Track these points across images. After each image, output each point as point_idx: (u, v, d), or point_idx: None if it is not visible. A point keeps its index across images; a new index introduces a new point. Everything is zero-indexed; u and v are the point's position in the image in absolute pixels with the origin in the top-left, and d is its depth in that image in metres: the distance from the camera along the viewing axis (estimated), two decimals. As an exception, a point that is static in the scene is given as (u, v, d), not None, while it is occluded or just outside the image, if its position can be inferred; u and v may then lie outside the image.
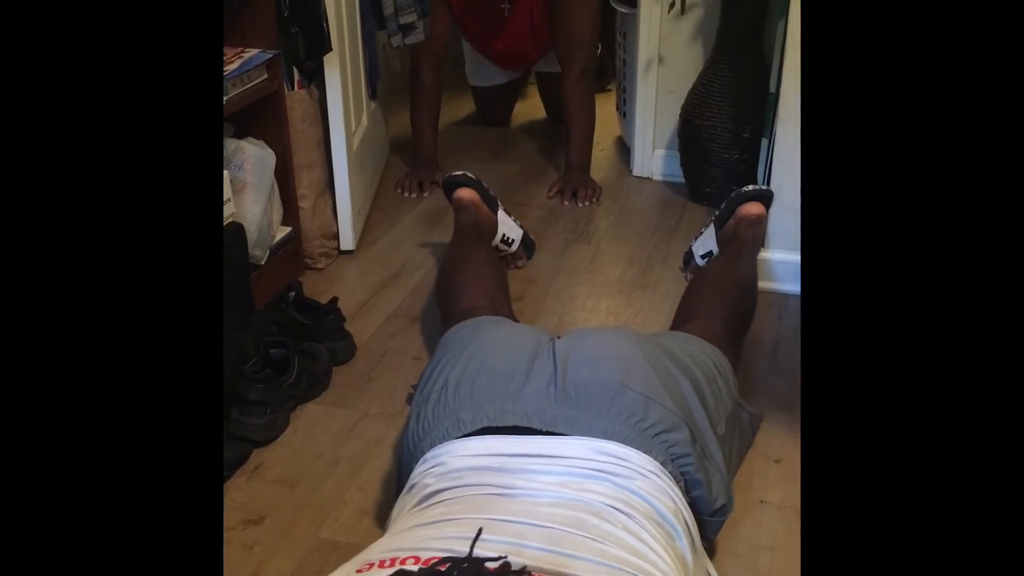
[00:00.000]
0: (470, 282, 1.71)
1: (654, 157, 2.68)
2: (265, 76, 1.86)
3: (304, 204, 2.06)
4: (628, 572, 0.85)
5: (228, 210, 1.77)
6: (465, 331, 1.38)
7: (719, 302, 1.64)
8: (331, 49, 1.98)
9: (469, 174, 1.99)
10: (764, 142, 2.07)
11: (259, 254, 1.90)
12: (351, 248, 2.21)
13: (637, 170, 2.70)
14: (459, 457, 1.10)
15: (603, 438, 1.10)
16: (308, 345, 1.70)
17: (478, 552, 0.81)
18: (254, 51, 1.85)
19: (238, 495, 1.42)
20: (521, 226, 2.12)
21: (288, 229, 2.03)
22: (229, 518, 1.37)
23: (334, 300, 1.82)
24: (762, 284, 2.02)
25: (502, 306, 1.67)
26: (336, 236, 2.18)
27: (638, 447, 1.10)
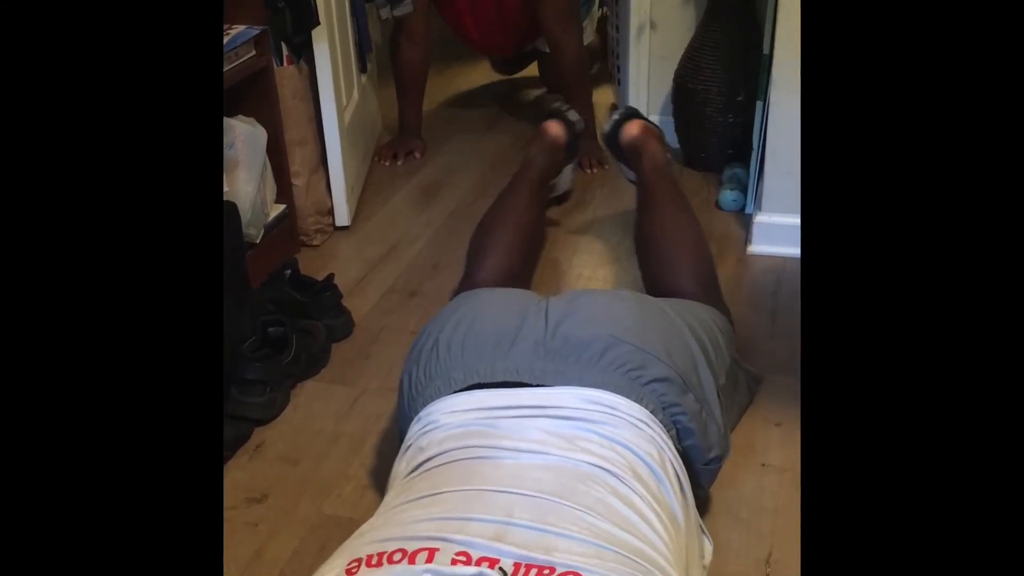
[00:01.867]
0: (500, 248, 1.66)
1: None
2: (253, 52, 1.84)
3: (297, 181, 2.04)
4: (614, 551, 0.85)
5: (220, 189, 1.76)
6: (459, 298, 1.38)
7: (681, 265, 1.59)
8: (319, 23, 1.95)
9: (574, 113, 1.97)
10: (759, 105, 2.05)
11: (253, 232, 1.89)
12: (346, 224, 2.20)
13: (632, 137, 2.68)
14: (450, 414, 1.10)
15: (592, 387, 1.10)
16: (306, 323, 1.70)
17: (461, 541, 0.82)
18: (241, 27, 1.83)
19: (240, 474, 1.42)
20: (572, 183, 2.16)
21: (282, 207, 2.02)
22: (232, 497, 1.37)
23: (330, 277, 1.81)
24: (759, 248, 2.01)
25: (522, 283, 1.65)
26: (331, 212, 2.17)
27: (627, 395, 1.09)
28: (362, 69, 2.48)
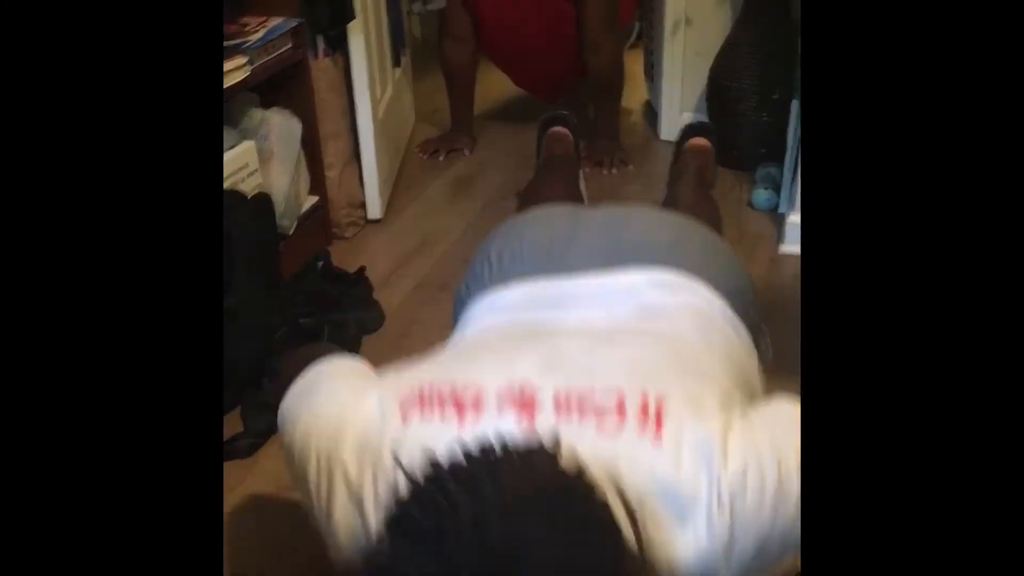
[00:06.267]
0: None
1: (682, 121, 2.64)
2: (290, 45, 1.85)
3: (331, 173, 2.06)
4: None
5: (255, 181, 1.77)
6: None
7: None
8: (355, 16, 1.97)
9: (567, 114, 1.99)
10: (794, 103, 2.04)
11: (287, 224, 1.90)
12: (378, 217, 2.21)
13: (665, 134, 2.68)
14: (514, 291, 1.10)
15: (660, 269, 1.07)
16: (337, 315, 1.71)
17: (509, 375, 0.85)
18: (278, 20, 1.85)
19: (269, 463, 1.43)
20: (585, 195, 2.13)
21: (315, 199, 2.04)
22: (262, 486, 1.39)
23: (362, 269, 1.82)
24: (792, 248, 2.00)
25: None
26: (363, 205, 2.19)
27: (694, 277, 1.08)
28: (396, 63, 2.49)
